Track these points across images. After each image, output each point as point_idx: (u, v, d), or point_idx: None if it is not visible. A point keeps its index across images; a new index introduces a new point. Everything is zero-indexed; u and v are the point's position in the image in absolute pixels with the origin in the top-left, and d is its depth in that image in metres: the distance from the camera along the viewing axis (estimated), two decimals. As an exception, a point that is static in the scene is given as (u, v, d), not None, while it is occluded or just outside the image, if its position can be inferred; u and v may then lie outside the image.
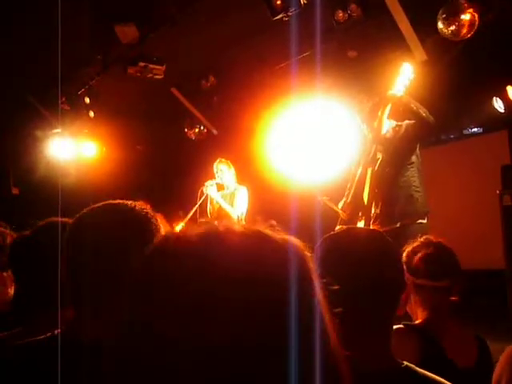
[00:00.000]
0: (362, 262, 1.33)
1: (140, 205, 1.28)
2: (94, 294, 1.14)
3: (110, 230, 1.20)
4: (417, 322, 1.99)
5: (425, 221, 4.49)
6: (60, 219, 1.53)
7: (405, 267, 1.79)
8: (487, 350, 1.95)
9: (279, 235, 0.66)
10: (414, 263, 2.03)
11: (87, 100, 7.32)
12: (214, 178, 6.22)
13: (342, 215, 4.43)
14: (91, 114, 7.46)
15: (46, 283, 1.46)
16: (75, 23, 5.28)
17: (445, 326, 1.95)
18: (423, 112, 4.34)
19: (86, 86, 7.02)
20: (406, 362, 1.31)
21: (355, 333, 1.28)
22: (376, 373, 1.26)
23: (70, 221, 1.52)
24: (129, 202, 1.27)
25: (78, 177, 7.88)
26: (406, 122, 4.56)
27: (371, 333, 1.30)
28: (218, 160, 6.28)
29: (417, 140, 4.52)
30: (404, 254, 2.06)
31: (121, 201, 1.28)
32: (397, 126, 4.58)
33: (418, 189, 4.55)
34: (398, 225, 4.33)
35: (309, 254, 0.66)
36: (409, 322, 1.93)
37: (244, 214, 6.13)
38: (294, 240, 0.66)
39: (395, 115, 4.57)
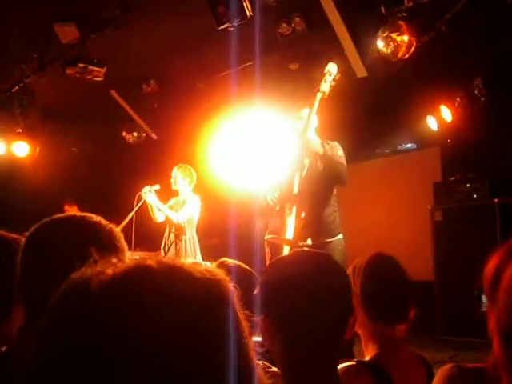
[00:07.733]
0: (306, 288, 1.31)
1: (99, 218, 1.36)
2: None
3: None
4: (369, 356, 1.87)
5: (334, 239, 4.51)
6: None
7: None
8: (432, 376, 1.91)
9: (202, 269, 0.63)
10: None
11: (21, 98, 7.05)
12: (153, 184, 6.13)
13: (288, 244, 4.30)
14: (25, 113, 7.19)
15: None
16: (9, 20, 5.11)
17: (396, 357, 1.84)
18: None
19: (21, 84, 6.77)
20: None
21: (301, 357, 1.28)
22: None
23: None
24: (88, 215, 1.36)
25: (10, 177, 7.59)
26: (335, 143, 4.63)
27: (317, 358, 1.27)
28: (178, 165, 6.25)
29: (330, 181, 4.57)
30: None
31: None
32: (326, 143, 4.59)
33: (336, 208, 4.62)
34: (310, 242, 4.27)
35: (232, 289, 0.64)
36: (360, 360, 1.82)
37: (195, 223, 6.14)
38: (217, 275, 0.64)
39: None
